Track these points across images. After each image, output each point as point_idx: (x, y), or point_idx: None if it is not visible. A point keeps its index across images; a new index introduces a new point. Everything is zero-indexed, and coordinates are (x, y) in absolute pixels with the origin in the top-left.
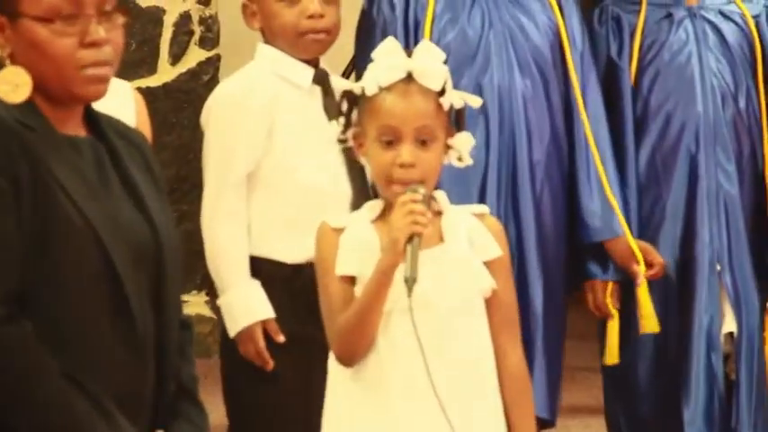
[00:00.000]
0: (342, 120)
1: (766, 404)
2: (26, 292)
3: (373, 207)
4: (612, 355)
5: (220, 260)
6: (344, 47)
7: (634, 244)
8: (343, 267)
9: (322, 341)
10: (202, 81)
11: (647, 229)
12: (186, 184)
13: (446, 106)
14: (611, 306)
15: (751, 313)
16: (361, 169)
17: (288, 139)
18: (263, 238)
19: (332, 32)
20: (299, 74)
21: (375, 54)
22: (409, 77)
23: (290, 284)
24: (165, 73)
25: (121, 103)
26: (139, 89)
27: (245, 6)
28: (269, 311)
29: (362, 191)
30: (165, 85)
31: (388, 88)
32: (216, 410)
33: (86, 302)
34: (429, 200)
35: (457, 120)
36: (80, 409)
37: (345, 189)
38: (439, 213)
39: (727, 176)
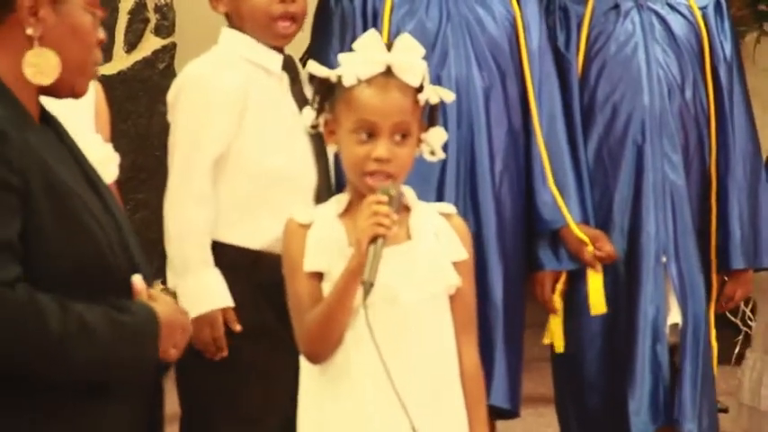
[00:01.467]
0: (314, 105)
1: (711, 395)
2: (54, 281)
3: (340, 201)
4: (558, 345)
5: (184, 243)
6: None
7: (579, 232)
8: (310, 264)
9: (281, 329)
10: (158, 69)
11: (595, 221)
12: (142, 173)
13: (423, 102)
14: (557, 300)
15: (697, 304)
16: (327, 157)
17: (258, 123)
18: (226, 223)
19: (300, 19)
20: (269, 59)
21: (356, 45)
22: (388, 72)
23: (249, 271)
24: (121, 61)
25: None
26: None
27: None
28: (229, 300)
29: (327, 178)
30: (120, 74)
31: (367, 81)
32: (167, 399)
33: (106, 283)
34: (399, 199)
35: (431, 114)
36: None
37: (311, 176)
38: (407, 209)
39: (673, 167)
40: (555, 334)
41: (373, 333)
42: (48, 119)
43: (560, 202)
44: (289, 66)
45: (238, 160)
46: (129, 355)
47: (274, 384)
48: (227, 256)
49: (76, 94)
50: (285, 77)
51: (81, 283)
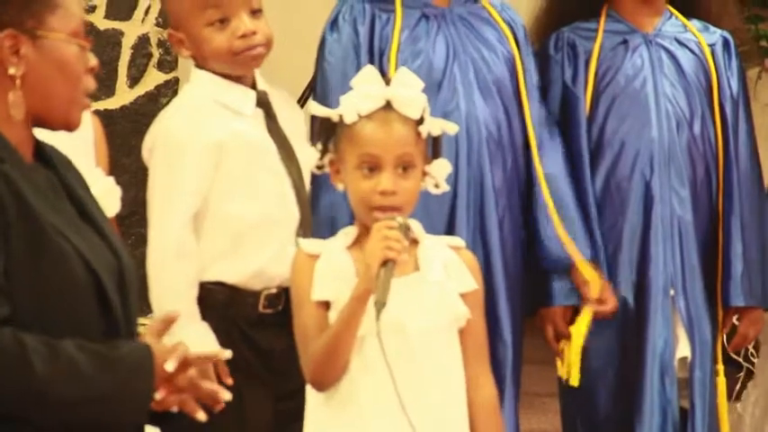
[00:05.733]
0: (318, 146)
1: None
2: (23, 316)
3: (348, 233)
4: (574, 378)
5: (167, 300)
6: (301, 68)
7: (587, 270)
8: (318, 293)
9: (256, 365)
10: (161, 104)
11: (605, 254)
12: (144, 208)
13: (424, 134)
14: (575, 332)
15: (703, 338)
16: (306, 191)
17: (234, 173)
18: (206, 266)
19: (267, 45)
20: (241, 100)
21: (354, 82)
22: (388, 105)
23: (224, 307)
24: (124, 95)
25: (80, 126)
26: (98, 112)
27: (170, 35)
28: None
29: (308, 218)
30: (123, 108)
31: (368, 116)
32: None
33: (81, 325)
34: (406, 229)
35: (434, 147)
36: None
37: (293, 213)
38: (415, 242)
39: (681, 202)
40: (573, 367)
41: (386, 355)
42: (46, 156)
43: (565, 241)
44: (262, 102)
45: (215, 211)
46: (122, 392)
47: (249, 420)
48: (202, 294)
49: (70, 125)
50: (260, 114)
51: (55, 319)
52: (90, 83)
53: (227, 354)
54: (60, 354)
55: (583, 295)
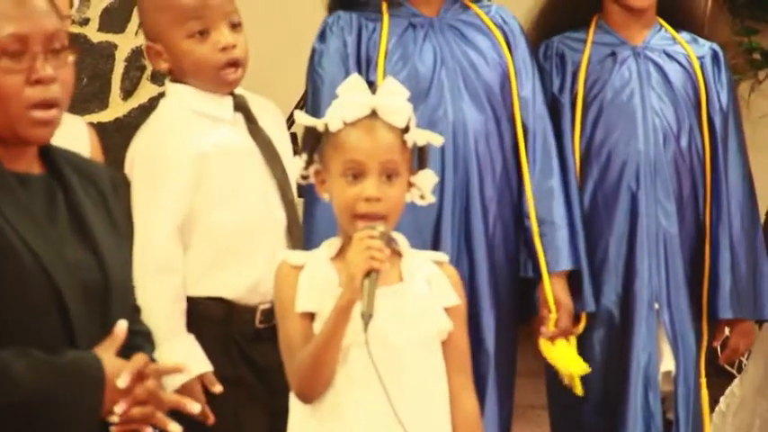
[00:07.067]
0: (304, 156)
1: None
2: None
3: (332, 244)
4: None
5: (154, 315)
6: (289, 78)
7: (549, 291)
8: (302, 304)
9: (254, 383)
10: None
11: (590, 267)
12: None
13: (410, 143)
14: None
15: (687, 352)
16: (293, 197)
17: (219, 179)
18: (197, 278)
19: (243, 63)
20: (219, 107)
21: (339, 90)
22: (374, 114)
23: (222, 323)
24: (117, 108)
25: (75, 139)
26: (91, 124)
27: (148, 48)
28: (206, 364)
29: (295, 213)
30: (116, 121)
31: (353, 124)
32: None
33: (34, 337)
34: (388, 238)
35: (420, 157)
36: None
37: (280, 216)
38: (398, 254)
39: (666, 215)
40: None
41: (376, 366)
42: (56, 166)
43: (540, 254)
44: (240, 106)
45: (203, 223)
46: (66, 398)
47: None
48: (199, 309)
49: (26, 140)
50: (239, 119)
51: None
52: (34, 93)
53: (188, 369)
54: None
55: (541, 318)
